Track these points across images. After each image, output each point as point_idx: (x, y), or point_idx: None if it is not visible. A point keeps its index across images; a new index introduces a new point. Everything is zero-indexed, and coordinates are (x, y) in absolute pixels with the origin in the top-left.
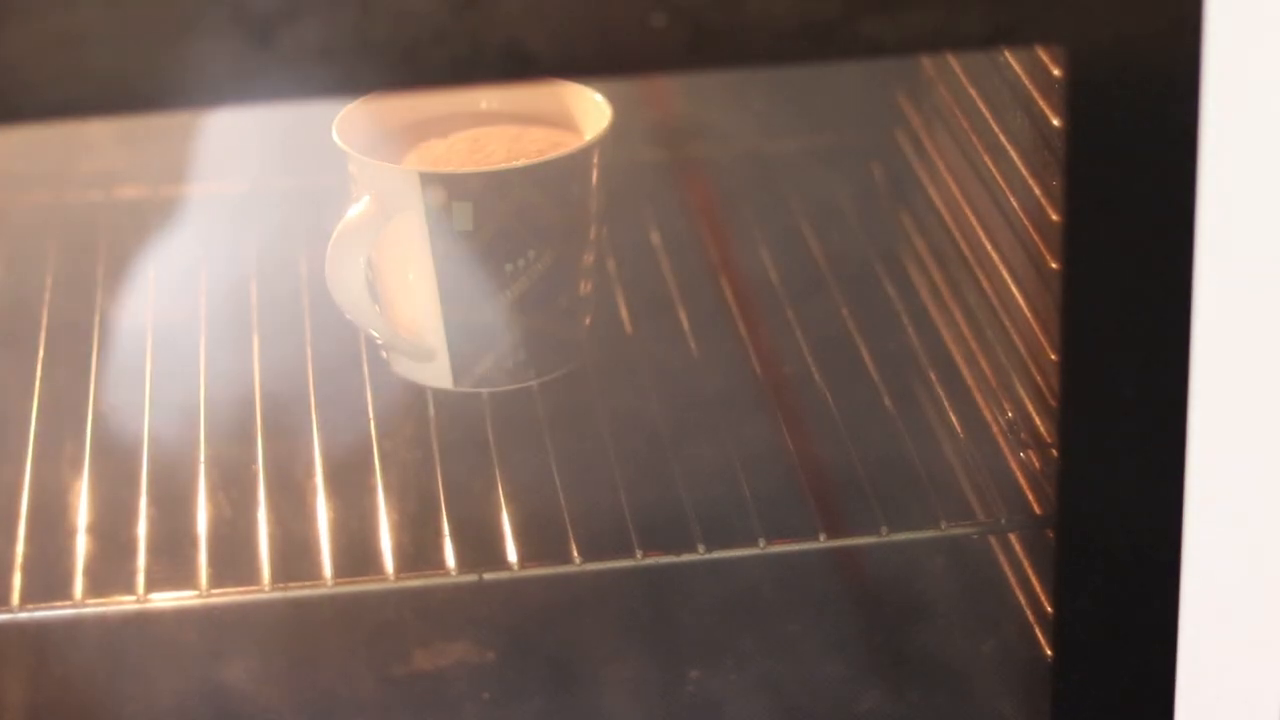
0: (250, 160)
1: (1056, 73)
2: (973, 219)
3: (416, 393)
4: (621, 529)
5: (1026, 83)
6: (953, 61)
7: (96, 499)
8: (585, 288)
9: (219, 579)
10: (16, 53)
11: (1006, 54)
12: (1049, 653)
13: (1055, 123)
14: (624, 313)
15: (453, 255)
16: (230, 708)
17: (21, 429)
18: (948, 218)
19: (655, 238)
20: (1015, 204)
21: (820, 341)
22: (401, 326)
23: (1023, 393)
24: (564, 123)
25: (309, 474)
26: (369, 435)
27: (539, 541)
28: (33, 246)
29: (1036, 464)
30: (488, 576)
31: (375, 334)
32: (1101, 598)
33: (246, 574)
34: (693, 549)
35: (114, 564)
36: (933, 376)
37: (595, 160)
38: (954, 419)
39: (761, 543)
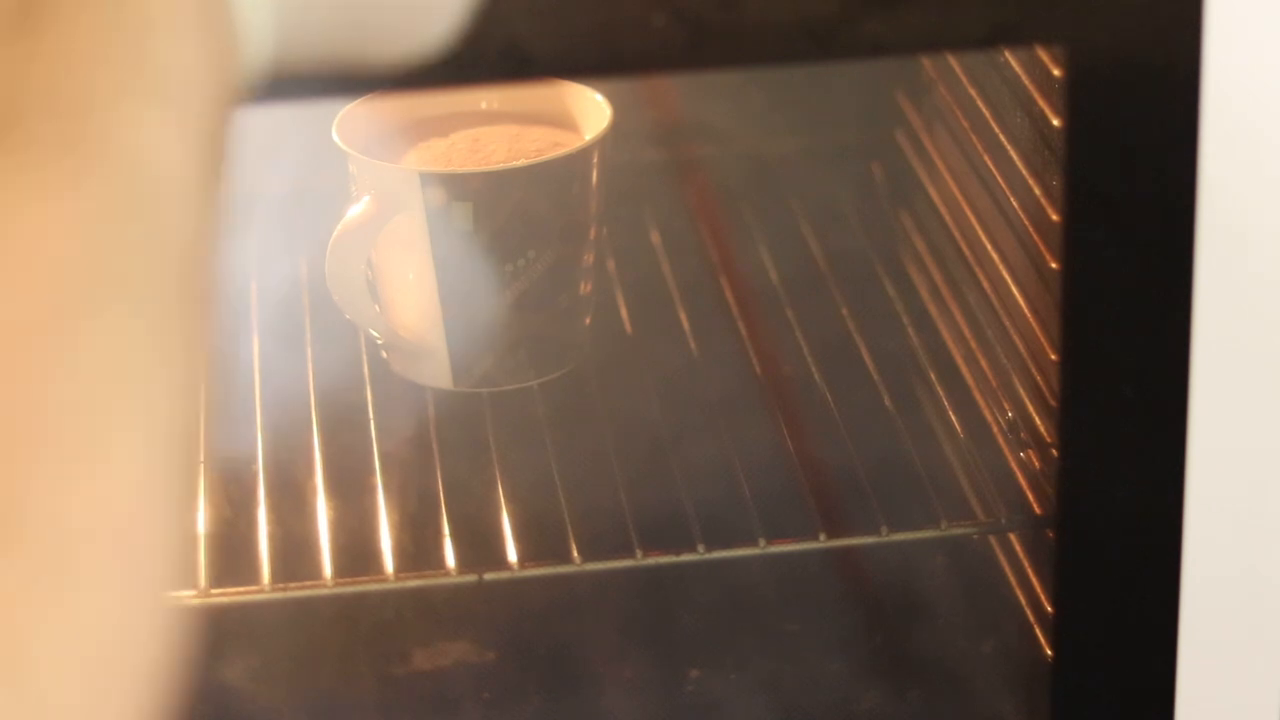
0: (250, 160)
1: (1056, 72)
2: (973, 219)
3: (416, 393)
4: (621, 529)
5: (1026, 82)
6: (953, 61)
7: None
8: (585, 288)
9: (219, 579)
10: None
11: (1006, 54)
12: (1049, 653)
13: (1055, 123)
14: (624, 313)
15: (453, 255)
16: (230, 708)
17: None
18: (948, 218)
19: (655, 238)
20: (1015, 204)
21: (820, 341)
22: (401, 326)
23: (1023, 393)
24: (564, 123)
25: (309, 474)
26: (369, 435)
27: (539, 541)
28: None
29: (1036, 464)
30: (488, 576)
31: (375, 334)
32: (1102, 598)
33: (246, 574)
34: (693, 549)
35: None
36: (933, 376)
37: (595, 160)
38: (954, 419)
39: (761, 543)
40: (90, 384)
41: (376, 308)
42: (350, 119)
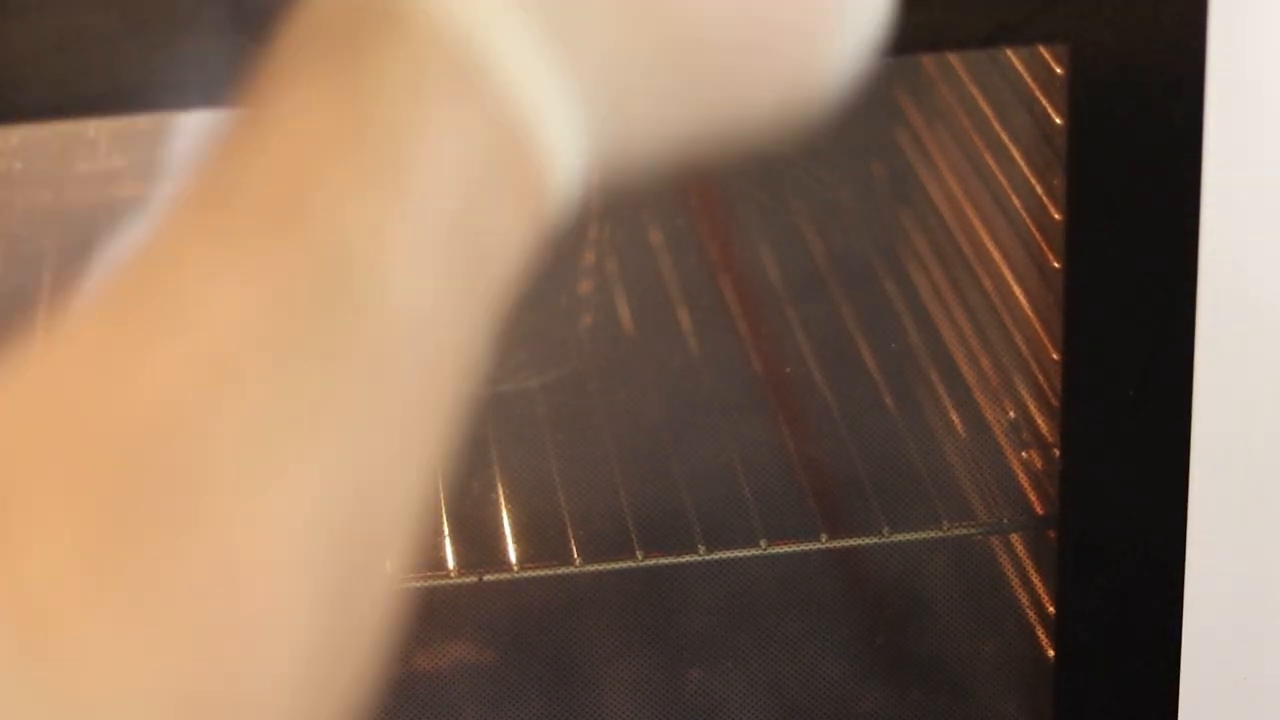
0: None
1: (1059, 71)
2: (974, 218)
3: None
4: (621, 529)
5: (1028, 81)
6: (954, 60)
7: None
8: (585, 287)
9: None
10: (16, 53)
11: (1008, 52)
12: (1051, 653)
13: (1057, 121)
14: (624, 313)
15: None
16: None
17: None
18: (949, 217)
19: (655, 238)
20: (1017, 203)
21: (820, 341)
22: None
23: (1024, 392)
24: None
25: None
26: None
27: (539, 542)
28: (31, 246)
29: (1038, 464)
30: (488, 577)
31: None
32: (1103, 598)
33: None
34: (693, 549)
35: None
36: (934, 376)
37: None
38: (955, 419)
39: (762, 543)
40: (251, 434)
41: None
42: None
